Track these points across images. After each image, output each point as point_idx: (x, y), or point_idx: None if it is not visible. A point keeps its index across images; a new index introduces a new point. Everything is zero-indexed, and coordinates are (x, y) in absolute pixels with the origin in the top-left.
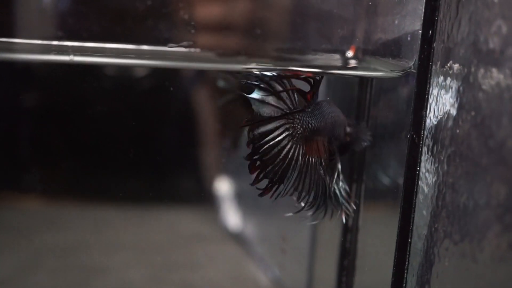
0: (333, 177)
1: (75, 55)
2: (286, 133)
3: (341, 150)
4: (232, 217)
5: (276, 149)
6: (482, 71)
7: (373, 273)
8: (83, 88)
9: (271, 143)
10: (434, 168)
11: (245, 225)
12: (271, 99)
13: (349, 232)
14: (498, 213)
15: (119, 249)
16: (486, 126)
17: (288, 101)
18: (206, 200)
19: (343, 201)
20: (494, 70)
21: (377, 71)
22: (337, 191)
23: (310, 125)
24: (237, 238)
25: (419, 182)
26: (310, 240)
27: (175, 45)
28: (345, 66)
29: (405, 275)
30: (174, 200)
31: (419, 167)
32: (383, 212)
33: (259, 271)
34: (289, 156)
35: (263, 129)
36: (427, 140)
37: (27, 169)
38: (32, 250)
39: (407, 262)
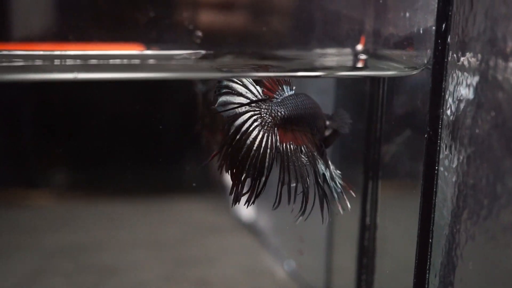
0: (327, 167)
1: (79, 71)
2: (255, 123)
3: (325, 143)
4: (246, 208)
5: (248, 141)
6: (501, 68)
7: (394, 271)
8: (93, 85)
9: (242, 137)
10: (453, 168)
11: (259, 215)
12: (233, 99)
13: (367, 230)
14: None
15: (133, 247)
16: (507, 126)
17: (250, 95)
18: (218, 191)
19: (337, 191)
20: None
21: (390, 70)
22: (331, 182)
23: (280, 114)
24: (252, 228)
25: (439, 181)
26: (327, 238)
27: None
28: (356, 67)
29: (427, 275)
30: (186, 193)
31: (438, 165)
32: (402, 209)
33: (276, 263)
34: (263, 145)
35: (236, 123)
36: (444, 138)
37: (38, 168)
38: (46, 251)
39: (428, 262)
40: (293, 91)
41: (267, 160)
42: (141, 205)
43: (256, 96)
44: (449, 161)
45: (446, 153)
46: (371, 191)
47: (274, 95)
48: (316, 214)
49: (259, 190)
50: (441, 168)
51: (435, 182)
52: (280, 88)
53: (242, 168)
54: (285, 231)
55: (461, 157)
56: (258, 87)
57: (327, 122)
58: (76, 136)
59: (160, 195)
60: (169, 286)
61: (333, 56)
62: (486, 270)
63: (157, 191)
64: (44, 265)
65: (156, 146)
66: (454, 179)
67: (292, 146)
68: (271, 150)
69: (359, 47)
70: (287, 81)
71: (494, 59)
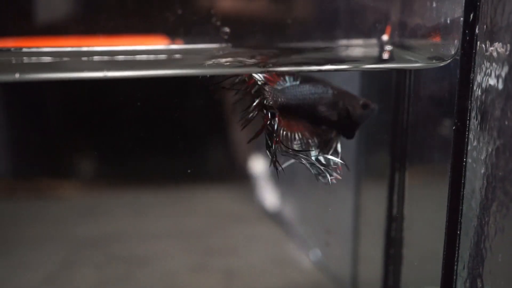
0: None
1: (108, 69)
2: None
3: (343, 132)
4: (271, 196)
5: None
6: None
7: (421, 263)
8: (118, 81)
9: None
10: (482, 159)
11: (285, 205)
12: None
13: (394, 221)
14: None
15: (160, 237)
16: None
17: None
18: (244, 180)
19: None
20: None
21: (417, 63)
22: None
23: (279, 100)
24: (277, 218)
25: (467, 172)
26: (354, 229)
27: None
28: (382, 59)
29: (456, 267)
30: (211, 182)
31: (466, 157)
32: (429, 200)
33: (302, 253)
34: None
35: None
36: (473, 129)
37: (66, 161)
38: (74, 242)
39: (457, 254)
40: (298, 82)
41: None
42: (168, 196)
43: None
44: (478, 153)
45: (474, 144)
46: (398, 182)
47: (274, 85)
48: (342, 203)
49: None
50: (469, 160)
51: (463, 174)
52: (282, 78)
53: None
54: (312, 220)
55: (490, 149)
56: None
57: (349, 108)
58: (102, 128)
59: (185, 185)
60: (197, 276)
61: (359, 47)
62: None
63: (183, 181)
64: (73, 256)
65: (181, 136)
66: (482, 171)
67: (285, 132)
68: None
69: (385, 37)
70: (292, 72)
71: None
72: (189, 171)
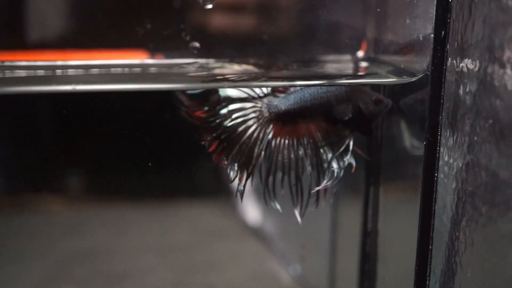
0: (335, 152)
1: (77, 83)
2: (253, 115)
3: (359, 128)
4: (252, 212)
5: (241, 128)
6: (498, 75)
7: (395, 278)
8: (102, 94)
9: (238, 124)
10: (453, 175)
11: (267, 221)
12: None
13: (368, 236)
14: None
15: (140, 252)
16: (506, 135)
17: (258, 90)
18: (226, 196)
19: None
20: (511, 74)
21: (390, 78)
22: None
23: (277, 110)
24: (259, 234)
25: (438, 187)
26: (330, 243)
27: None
28: (356, 75)
29: (428, 281)
30: (193, 198)
31: (437, 172)
32: (402, 216)
33: (281, 268)
34: (254, 135)
35: (231, 106)
36: (444, 144)
37: (48, 175)
38: (56, 257)
39: (429, 269)
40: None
41: (256, 150)
42: (150, 211)
43: (261, 91)
44: (449, 168)
45: (446, 159)
46: (372, 196)
47: (286, 91)
48: (319, 218)
49: (246, 178)
50: (441, 175)
51: (434, 189)
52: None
53: (231, 152)
54: (292, 236)
55: (460, 164)
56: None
57: (362, 105)
58: (85, 143)
59: (167, 200)
60: None
61: (334, 63)
62: (485, 278)
63: (165, 197)
64: (55, 271)
65: (164, 152)
66: (453, 186)
67: (287, 141)
68: (261, 142)
69: (360, 53)
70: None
71: (492, 66)
72: (157, 193)
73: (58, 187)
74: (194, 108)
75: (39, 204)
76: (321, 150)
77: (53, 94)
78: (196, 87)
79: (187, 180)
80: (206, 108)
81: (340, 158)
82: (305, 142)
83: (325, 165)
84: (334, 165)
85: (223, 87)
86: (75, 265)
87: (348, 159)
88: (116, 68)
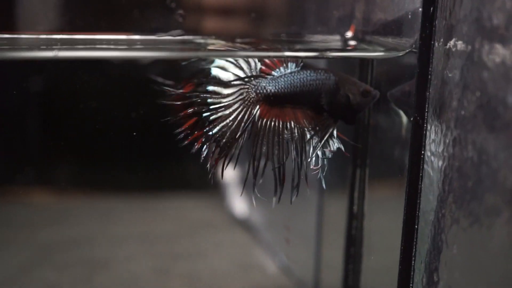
0: (319, 140)
1: (60, 50)
2: (240, 97)
3: (344, 118)
4: (238, 204)
5: (227, 111)
6: (486, 48)
7: (380, 260)
8: (85, 82)
9: (224, 104)
10: (440, 152)
11: (252, 212)
12: (230, 67)
13: (354, 219)
14: (507, 199)
15: (124, 241)
16: (492, 107)
17: (247, 70)
18: (212, 187)
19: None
20: (499, 47)
21: (377, 52)
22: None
23: (265, 91)
24: (244, 225)
25: (425, 166)
26: (315, 227)
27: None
28: (343, 48)
29: (413, 262)
30: (179, 189)
31: (424, 150)
32: (389, 197)
33: (267, 258)
34: (238, 118)
35: (217, 89)
36: (431, 122)
37: (29, 164)
38: (36, 245)
39: (414, 249)
40: (298, 68)
41: (240, 132)
42: (135, 201)
43: (252, 72)
44: (436, 145)
45: (433, 137)
46: (358, 178)
47: (273, 72)
48: (305, 204)
49: (227, 161)
50: (428, 153)
51: (421, 167)
52: (284, 65)
53: (211, 131)
54: (277, 226)
55: (447, 140)
56: (257, 64)
57: (350, 96)
58: (69, 132)
59: (153, 191)
60: (160, 279)
61: (323, 42)
62: (470, 252)
63: (151, 187)
64: (36, 259)
65: (149, 141)
66: (440, 163)
67: (273, 123)
68: (245, 123)
69: (349, 34)
70: (295, 59)
71: (480, 40)
72: (142, 182)
73: (40, 177)
74: (179, 84)
75: (21, 194)
76: (307, 136)
77: (32, 86)
78: (182, 56)
79: (172, 170)
80: (191, 82)
81: (324, 145)
82: (291, 126)
83: (310, 152)
84: (319, 152)
85: (209, 56)
86: (57, 253)
87: (334, 145)
88: (102, 43)
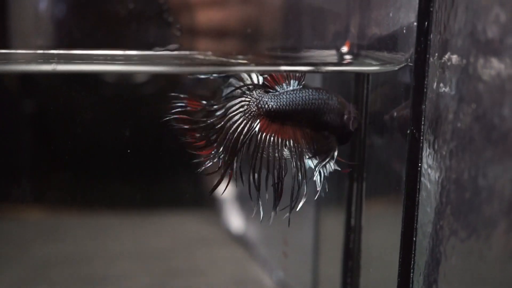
0: (321, 161)
1: (58, 63)
2: (241, 109)
3: (340, 139)
4: (235, 220)
5: (228, 124)
6: (481, 61)
7: (379, 273)
8: (79, 96)
9: (224, 118)
10: (437, 164)
11: (249, 227)
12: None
13: (352, 232)
14: (504, 209)
15: (121, 257)
16: (488, 119)
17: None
18: (209, 203)
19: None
20: (494, 60)
21: (373, 66)
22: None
23: (267, 106)
24: (240, 240)
25: (422, 178)
26: (313, 241)
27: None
28: (339, 63)
29: (412, 274)
30: (176, 205)
31: (421, 163)
32: (386, 211)
33: (264, 273)
34: (238, 130)
35: (226, 105)
36: (427, 135)
37: (25, 180)
38: (33, 262)
39: (413, 261)
40: (300, 86)
41: (239, 144)
42: (131, 217)
43: (255, 86)
44: (433, 158)
45: (429, 150)
46: (356, 192)
47: (276, 88)
48: (302, 218)
49: (228, 173)
50: (425, 166)
51: (418, 180)
52: (286, 81)
53: (214, 145)
54: (275, 241)
55: (444, 153)
56: (260, 78)
57: (344, 117)
58: (64, 148)
59: (150, 207)
60: None
61: (319, 57)
62: (468, 264)
63: (147, 203)
64: (32, 276)
65: (146, 157)
66: (437, 176)
67: (273, 139)
68: (244, 136)
69: (345, 48)
70: (298, 76)
71: (475, 53)
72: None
73: (37, 193)
74: (193, 100)
75: (17, 210)
76: (306, 156)
77: (28, 100)
78: (179, 71)
79: (170, 187)
80: (204, 102)
81: (324, 167)
82: (290, 144)
83: (309, 171)
84: (317, 174)
85: (208, 72)
86: (53, 270)
87: (332, 167)
88: (99, 58)
